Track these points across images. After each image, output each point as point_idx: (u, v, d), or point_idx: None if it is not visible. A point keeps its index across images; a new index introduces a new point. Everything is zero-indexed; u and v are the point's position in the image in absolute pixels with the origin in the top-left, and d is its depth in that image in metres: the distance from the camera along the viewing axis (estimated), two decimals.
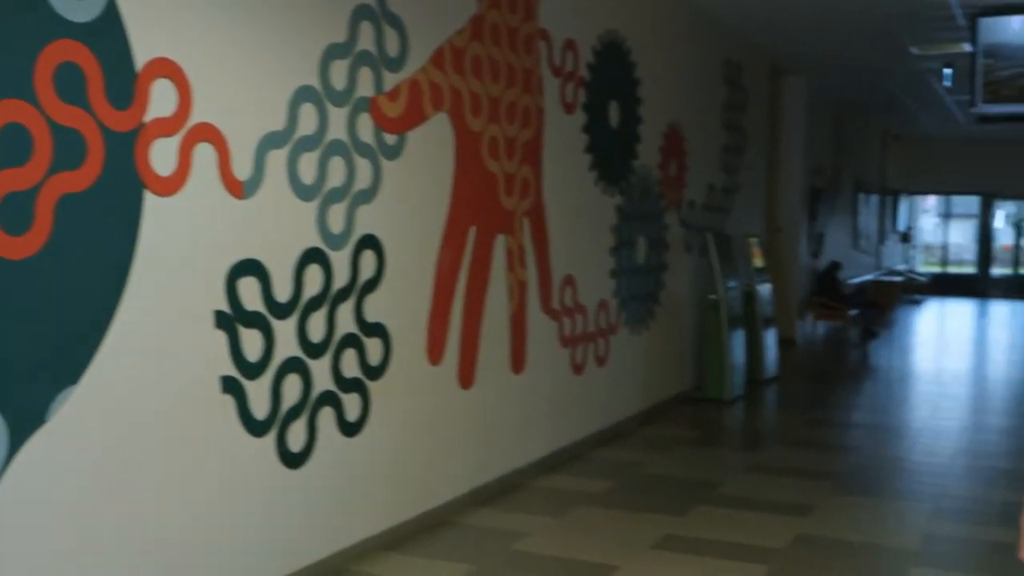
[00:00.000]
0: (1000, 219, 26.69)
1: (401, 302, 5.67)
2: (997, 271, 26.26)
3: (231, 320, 4.48)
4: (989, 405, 10.93)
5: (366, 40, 5.28)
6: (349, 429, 5.28)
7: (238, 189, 4.49)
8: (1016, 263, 26.33)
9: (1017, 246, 26.47)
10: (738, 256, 11.09)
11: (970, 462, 7.99)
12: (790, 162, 14.50)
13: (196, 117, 4.24)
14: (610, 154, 8.27)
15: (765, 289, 11.73)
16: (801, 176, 14.71)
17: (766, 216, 13.52)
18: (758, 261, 11.77)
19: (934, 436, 8.93)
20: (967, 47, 10.27)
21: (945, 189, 26.28)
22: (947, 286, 25.10)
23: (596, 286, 8.15)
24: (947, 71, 12.66)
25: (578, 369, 7.88)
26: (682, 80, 9.87)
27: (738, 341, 10.46)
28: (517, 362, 6.95)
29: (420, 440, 5.90)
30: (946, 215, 27.52)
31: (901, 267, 24.21)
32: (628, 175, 8.64)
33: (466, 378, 6.34)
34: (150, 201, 4.04)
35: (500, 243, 6.65)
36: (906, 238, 25.48)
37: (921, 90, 15.42)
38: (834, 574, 5.35)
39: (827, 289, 15.84)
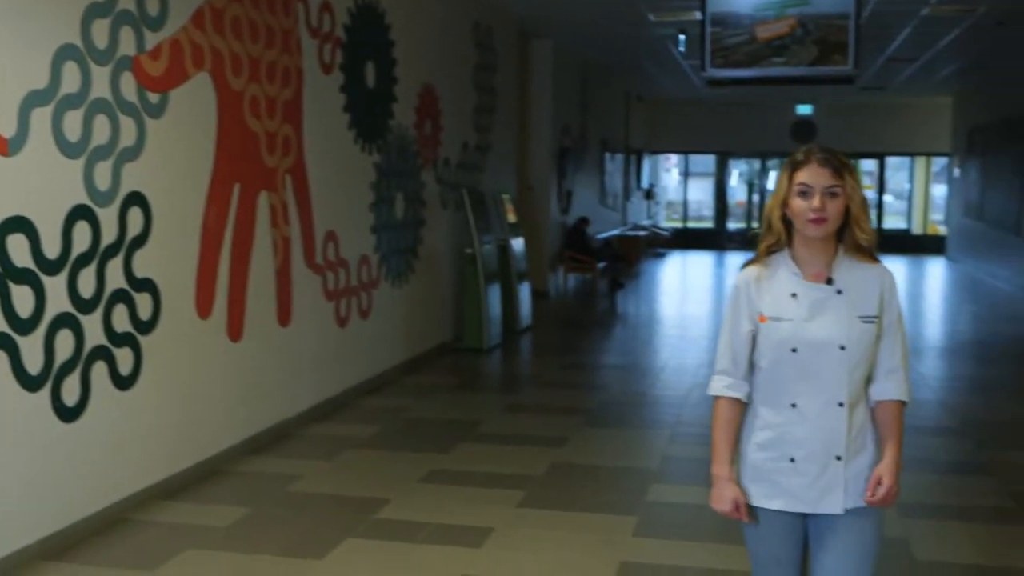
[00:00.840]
0: (735, 177, 28.50)
1: (169, 258, 5.80)
2: (733, 225, 28.04)
3: (0, 276, 4.53)
4: None
5: None
6: (122, 382, 5.40)
7: (3, 146, 4.54)
8: (749, 218, 28.17)
9: (750, 202, 28.33)
10: (492, 212, 11.58)
11: (704, 394, 8.73)
12: (539, 122, 15.10)
13: None
14: (367, 113, 8.54)
15: (518, 244, 12.30)
16: (550, 136, 15.34)
17: (517, 174, 14.09)
18: (511, 217, 12.31)
19: (674, 373, 9.73)
20: (698, 15, 11.04)
21: (684, 148, 27.82)
22: (688, 240, 26.67)
23: (357, 241, 8.43)
24: (681, 37, 13.52)
25: (342, 322, 8.16)
26: (435, 42, 10.21)
27: (494, 293, 10.98)
28: (283, 315, 7.17)
29: (192, 392, 6.06)
30: (686, 173, 29.08)
31: (645, 222, 25.49)
32: (385, 134, 8.94)
33: (235, 331, 6.52)
34: None
35: (264, 200, 6.84)
36: (649, 195, 26.82)
37: (660, 54, 16.34)
38: (586, 493, 5.90)
39: (576, 244, 16.64)
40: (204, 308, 6.16)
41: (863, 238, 2.87)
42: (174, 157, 5.82)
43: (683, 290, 19.08)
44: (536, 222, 14.73)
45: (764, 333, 2.90)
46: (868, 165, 26.77)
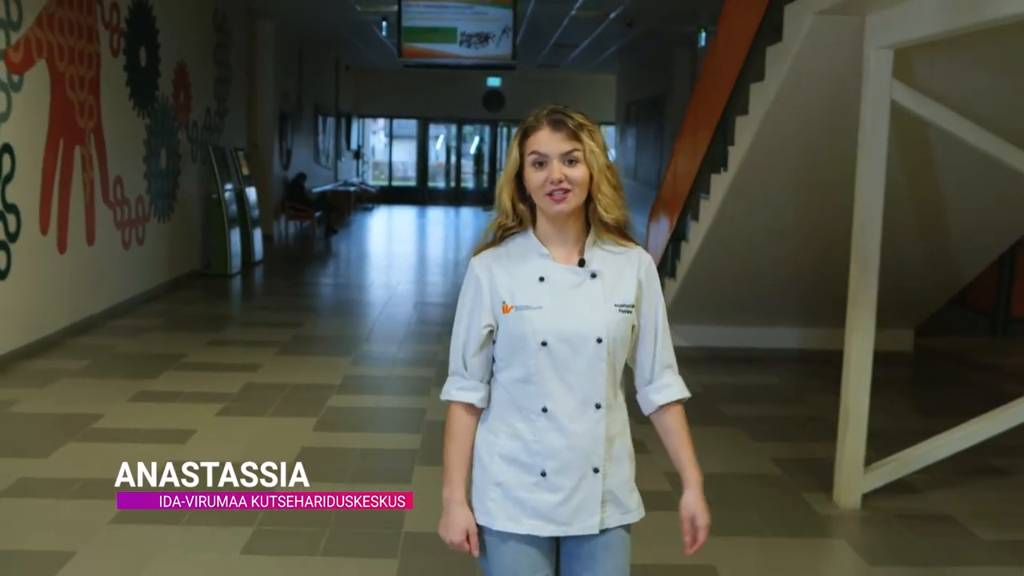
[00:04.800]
0: (436, 141, 31.84)
1: (25, 190, 8.28)
2: (434, 184, 31.41)
3: None
4: (426, 270, 15.10)
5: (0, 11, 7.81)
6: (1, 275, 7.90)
7: None
8: (448, 177, 31.64)
9: (448, 163, 31.79)
10: (231, 165, 14.19)
11: (407, 300, 11.91)
12: (264, 90, 17.64)
13: None
14: (141, 87, 11.06)
15: (251, 192, 14.95)
16: (272, 101, 17.92)
17: (247, 134, 16.65)
18: (245, 170, 14.94)
19: (379, 288, 12.83)
20: (395, 7, 14.06)
21: (389, 113, 30.87)
22: (393, 196, 29.86)
23: (135, 185, 10.96)
24: (384, 24, 16.50)
25: (126, 246, 10.70)
26: (185, 28, 12.74)
27: (235, 230, 13.65)
28: (90, 238, 9.69)
29: (40, 286, 8.56)
30: (391, 136, 32.10)
31: (355, 180, 28.37)
32: (153, 102, 11.47)
33: (62, 246, 9.03)
34: None
35: (78, 152, 9.34)
36: (358, 155, 29.71)
37: (365, 33, 19.21)
38: (322, 347, 8.93)
39: (296, 196, 19.38)
40: (45, 227, 8.66)
41: (606, 216, 2.43)
42: (28, 120, 8.30)
43: (388, 235, 22.22)
44: (262, 176, 17.31)
45: (508, 325, 2.45)
46: None
